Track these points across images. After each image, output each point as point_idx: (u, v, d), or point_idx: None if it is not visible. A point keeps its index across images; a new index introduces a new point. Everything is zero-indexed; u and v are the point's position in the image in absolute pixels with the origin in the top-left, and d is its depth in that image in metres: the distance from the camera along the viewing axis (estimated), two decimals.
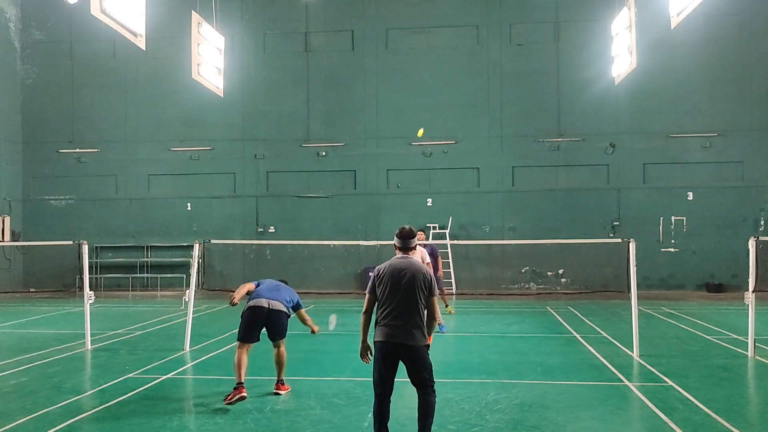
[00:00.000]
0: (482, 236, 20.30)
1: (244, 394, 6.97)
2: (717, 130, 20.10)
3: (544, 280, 20.37)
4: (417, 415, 5.24)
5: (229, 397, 6.90)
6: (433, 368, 5.34)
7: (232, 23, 20.57)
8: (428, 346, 5.33)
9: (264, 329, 7.39)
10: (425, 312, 5.27)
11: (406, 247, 5.46)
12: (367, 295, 5.38)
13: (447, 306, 14.74)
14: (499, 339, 11.68)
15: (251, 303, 7.36)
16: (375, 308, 5.36)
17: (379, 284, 5.31)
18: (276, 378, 7.60)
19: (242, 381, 7.05)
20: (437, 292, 5.59)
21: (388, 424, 5.34)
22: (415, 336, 5.17)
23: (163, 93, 21.88)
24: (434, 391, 5.27)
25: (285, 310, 7.43)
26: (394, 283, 5.23)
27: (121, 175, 22.17)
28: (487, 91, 21.01)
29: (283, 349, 7.58)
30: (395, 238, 5.53)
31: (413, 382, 5.29)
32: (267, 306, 7.28)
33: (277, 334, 7.45)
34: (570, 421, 6.33)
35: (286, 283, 7.92)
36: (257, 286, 7.66)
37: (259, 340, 7.39)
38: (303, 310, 7.77)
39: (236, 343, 7.36)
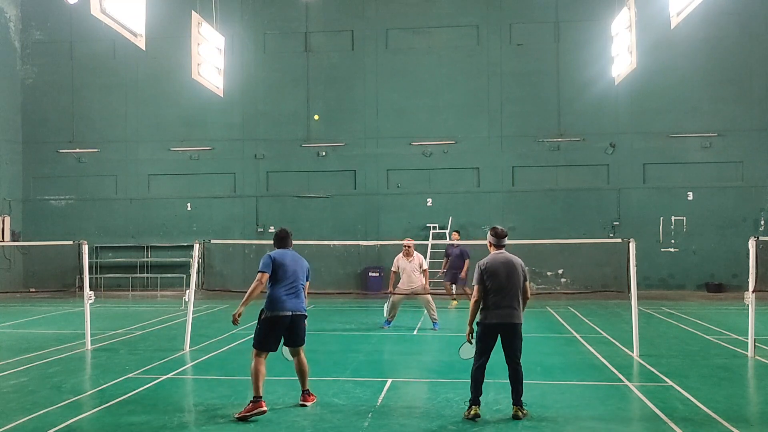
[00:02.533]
0: (482, 236, 20.20)
1: (264, 408, 6.40)
2: (717, 130, 20.10)
3: (544, 280, 20.37)
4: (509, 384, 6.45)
5: (246, 410, 6.34)
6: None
7: (232, 23, 20.55)
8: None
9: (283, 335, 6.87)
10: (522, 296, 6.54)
11: (500, 245, 6.66)
12: (476, 286, 6.44)
13: (454, 300, 16.23)
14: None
15: (272, 313, 6.67)
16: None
17: (488, 277, 6.39)
18: (301, 388, 6.98)
19: (261, 394, 6.46)
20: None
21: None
22: (520, 315, 6.46)
23: (163, 93, 21.88)
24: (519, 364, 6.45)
25: (306, 312, 6.96)
26: (502, 274, 6.40)
27: (121, 175, 22.16)
28: (487, 91, 21.00)
29: (303, 355, 6.99)
30: (491, 236, 6.71)
31: (508, 355, 6.44)
32: (290, 314, 6.72)
33: (299, 339, 6.90)
34: (570, 421, 6.33)
35: (290, 240, 7.14)
36: (273, 281, 6.76)
37: (277, 349, 6.84)
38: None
39: (252, 351, 6.72)
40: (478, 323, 6.48)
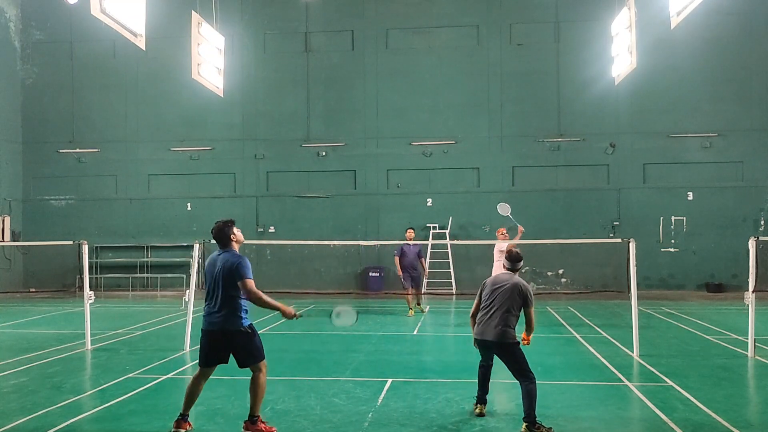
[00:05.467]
0: (482, 236, 20.29)
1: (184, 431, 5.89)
2: (717, 130, 20.10)
3: (544, 280, 20.37)
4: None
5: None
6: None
7: (232, 23, 20.56)
8: (518, 342, 6.38)
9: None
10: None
11: (513, 269, 6.58)
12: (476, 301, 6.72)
13: (418, 304, 15.11)
14: None
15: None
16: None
17: (483, 292, 6.60)
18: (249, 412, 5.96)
19: (186, 413, 5.98)
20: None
21: None
22: (500, 334, 6.32)
23: (163, 93, 21.88)
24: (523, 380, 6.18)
25: (240, 327, 5.77)
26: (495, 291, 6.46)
27: (121, 175, 22.16)
28: (487, 91, 21.01)
29: (258, 375, 5.88)
30: (504, 258, 6.68)
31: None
32: (209, 330, 5.82)
33: (240, 359, 5.90)
34: (570, 421, 6.33)
35: (228, 236, 5.97)
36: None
37: (212, 368, 6.04)
38: (250, 282, 5.72)
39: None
40: None
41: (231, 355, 5.93)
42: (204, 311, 5.93)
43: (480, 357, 6.61)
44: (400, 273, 14.54)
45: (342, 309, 6.74)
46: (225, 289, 5.76)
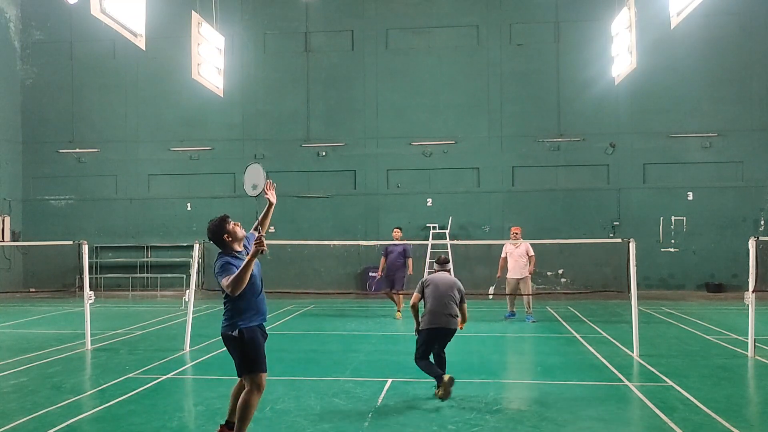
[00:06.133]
0: (482, 236, 20.29)
1: None
2: (717, 130, 20.10)
3: (544, 280, 20.36)
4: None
5: None
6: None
7: (232, 23, 20.56)
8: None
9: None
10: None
11: (443, 269, 7.90)
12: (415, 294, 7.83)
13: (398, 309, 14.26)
14: (499, 339, 11.69)
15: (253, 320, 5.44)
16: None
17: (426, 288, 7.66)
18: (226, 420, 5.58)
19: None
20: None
21: None
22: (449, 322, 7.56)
23: (163, 93, 21.88)
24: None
25: (228, 331, 5.23)
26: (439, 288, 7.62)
27: (121, 175, 22.17)
28: (487, 91, 21.01)
29: (245, 389, 5.25)
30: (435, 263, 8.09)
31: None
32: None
33: (238, 366, 5.31)
34: (570, 421, 6.33)
35: (221, 238, 5.44)
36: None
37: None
38: (224, 282, 5.11)
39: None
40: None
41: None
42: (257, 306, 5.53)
43: (423, 348, 7.39)
44: (380, 274, 14.30)
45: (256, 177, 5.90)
46: (222, 293, 5.23)
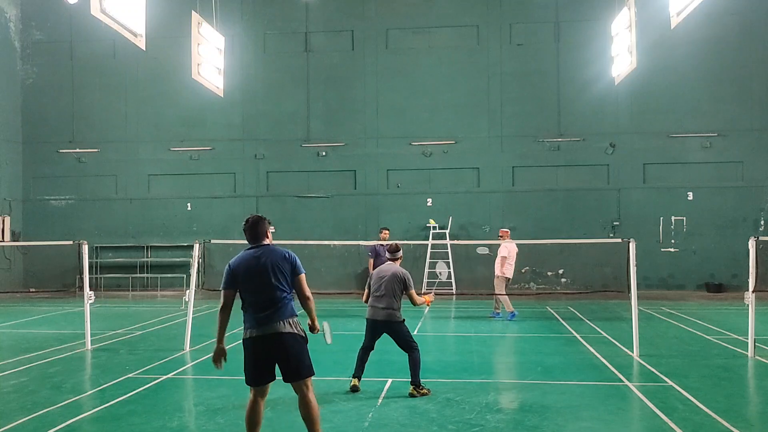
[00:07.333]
0: (482, 236, 20.29)
1: None
2: (717, 130, 20.09)
3: (544, 280, 20.37)
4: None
5: None
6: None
7: (232, 23, 20.55)
8: (403, 321, 7.71)
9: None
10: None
11: (393, 258, 7.93)
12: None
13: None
14: (499, 339, 11.69)
15: (245, 333, 5.16)
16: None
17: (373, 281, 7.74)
18: None
19: None
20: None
21: None
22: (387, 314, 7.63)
23: (163, 93, 21.87)
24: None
25: (292, 329, 5.07)
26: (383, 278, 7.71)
27: (121, 175, 22.16)
28: (487, 91, 21.00)
29: (305, 392, 5.16)
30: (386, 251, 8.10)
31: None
32: (263, 333, 5.05)
33: (294, 370, 5.12)
34: (570, 421, 6.33)
35: (263, 230, 5.34)
36: (240, 296, 5.17)
37: (274, 379, 5.20)
38: (303, 276, 5.25)
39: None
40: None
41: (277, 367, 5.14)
42: (249, 318, 5.12)
43: (363, 340, 7.68)
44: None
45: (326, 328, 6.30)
46: (276, 285, 5.08)
